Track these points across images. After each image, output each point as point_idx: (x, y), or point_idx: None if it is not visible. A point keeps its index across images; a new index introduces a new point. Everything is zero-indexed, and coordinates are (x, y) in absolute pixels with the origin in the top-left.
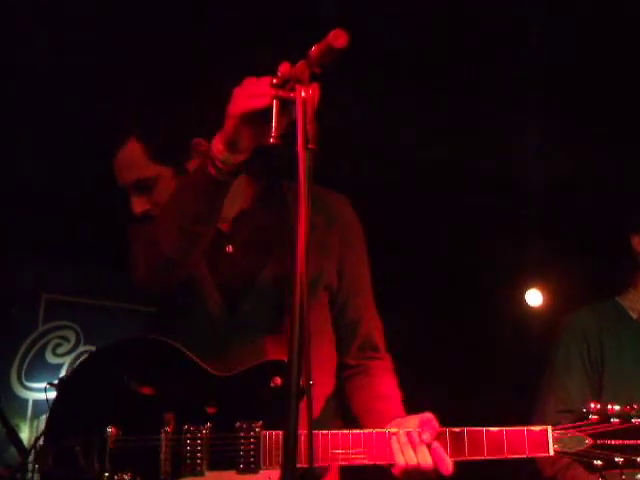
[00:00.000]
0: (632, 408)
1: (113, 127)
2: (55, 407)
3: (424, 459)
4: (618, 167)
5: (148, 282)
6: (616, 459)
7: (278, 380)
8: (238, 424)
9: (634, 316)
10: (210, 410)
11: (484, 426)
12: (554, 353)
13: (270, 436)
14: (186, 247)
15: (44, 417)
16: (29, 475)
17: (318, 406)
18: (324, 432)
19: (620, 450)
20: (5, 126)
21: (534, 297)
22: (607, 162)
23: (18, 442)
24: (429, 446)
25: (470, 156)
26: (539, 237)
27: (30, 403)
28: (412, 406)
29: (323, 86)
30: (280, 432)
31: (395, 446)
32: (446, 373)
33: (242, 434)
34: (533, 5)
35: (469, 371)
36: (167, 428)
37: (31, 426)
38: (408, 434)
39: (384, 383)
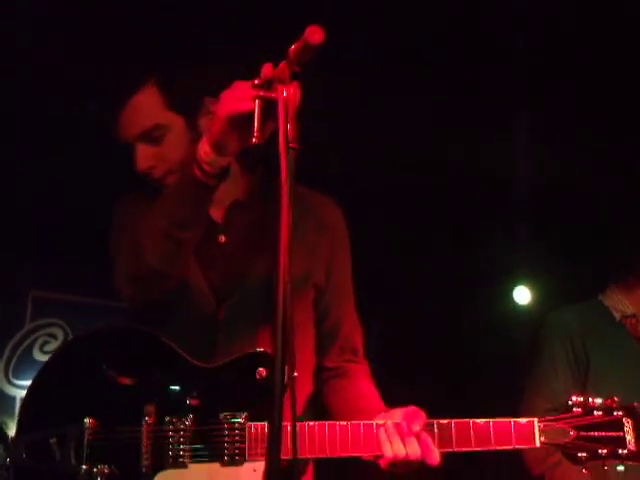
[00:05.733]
0: (613, 401)
1: (130, 72)
2: (28, 397)
3: (413, 450)
4: (605, 167)
5: (132, 296)
6: (599, 451)
7: (263, 371)
8: (222, 415)
9: (617, 317)
10: (193, 402)
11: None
12: (537, 352)
13: (255, 428)
14: (171, 255)
15: None
16: None
17: (300, 405)
18: (310, 423)
19: (603, 442)
20: None
21: (522, 294)
22: (596, 162)
23: (5, 439)
24: (418, 437)
25: (459, 155)
26: (527, 234)
27: (17, 400)
28: (398, 402)
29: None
30: (265, 424)
31: (383, 437)
32: (432, 370)
33: (227, 425)
34: (531, 5)
35: (455, 368)
36: (148, 419)
37: None
38: (396, 425)
39: (363, 385)
